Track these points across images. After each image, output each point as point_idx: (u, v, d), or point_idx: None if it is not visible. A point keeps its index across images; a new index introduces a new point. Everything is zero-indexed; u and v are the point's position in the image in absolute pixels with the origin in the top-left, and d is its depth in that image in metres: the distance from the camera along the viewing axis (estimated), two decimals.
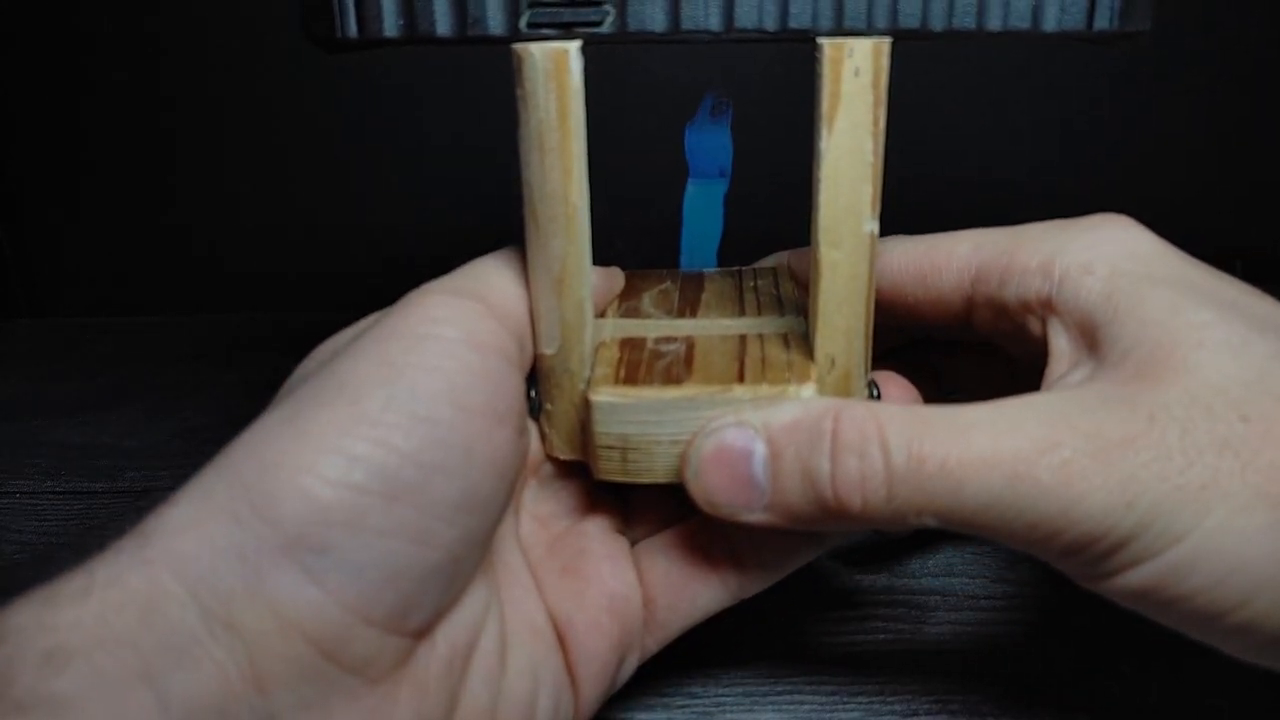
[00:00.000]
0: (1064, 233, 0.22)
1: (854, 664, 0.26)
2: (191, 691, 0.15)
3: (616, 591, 0.22)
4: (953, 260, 0.23)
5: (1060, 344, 0.21)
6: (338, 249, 0.55)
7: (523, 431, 0.21)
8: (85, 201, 0.56)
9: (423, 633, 0.18)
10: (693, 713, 0.24)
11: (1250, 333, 0.19)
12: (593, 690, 0.22)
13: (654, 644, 0.23)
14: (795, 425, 0.20)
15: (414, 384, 0.18)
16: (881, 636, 0.27)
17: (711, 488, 0.20)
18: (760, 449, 0.20)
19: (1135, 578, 0.18)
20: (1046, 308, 0.22)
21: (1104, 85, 0.51)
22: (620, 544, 0.24)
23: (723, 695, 0.25)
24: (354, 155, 0.54)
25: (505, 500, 0.20)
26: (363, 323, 0.21)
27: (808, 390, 0.21)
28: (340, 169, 0.54)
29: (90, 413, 0.42)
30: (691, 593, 0.23)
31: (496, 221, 0.48)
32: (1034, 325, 0.22)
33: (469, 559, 0.19)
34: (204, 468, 0.18)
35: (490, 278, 0.21)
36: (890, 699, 0.24)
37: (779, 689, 0.25)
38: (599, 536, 0.23)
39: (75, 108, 0.54)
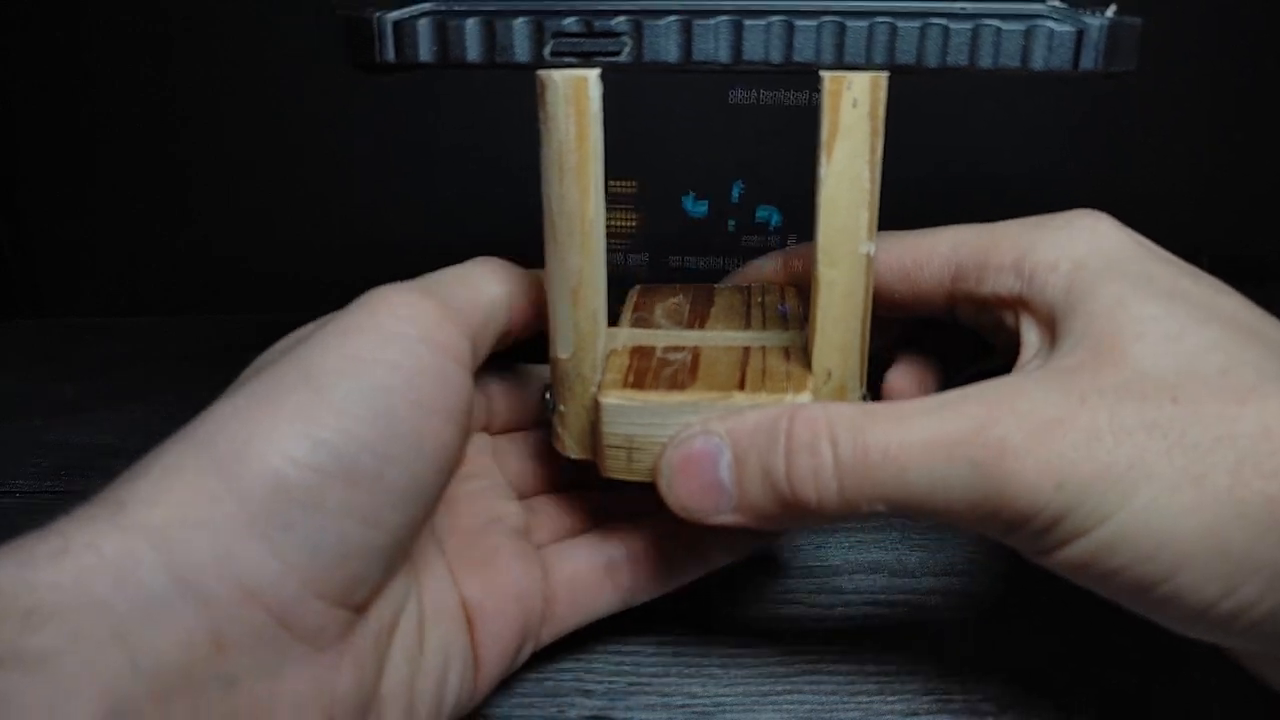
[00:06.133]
0: (1036, 230, 0.23)
1: (854, 664, 0.26)
2: (160, 651, 0.16)
3: (524, 588, 0.24)
4: (934, 258, 0.25)
5: (1030, 337, 0.23)
6: (338, 250, 0.55)
7: (466, 431, 0.22)
8: (86, 201, 0.56)
9: (363, 607, 0.20)
10: (693, 713, 0.25)
11: (1191, 323, 0.20)
12: (493, 670, 0.23)
13: (548, 636, 0.25)
14: (755, 429, 0.21)
15: (375, 378, 0.19)
16: (881, 636, 0.27)
17: (683, 494, 0.22)
18: (726, 454, 0.21)
19: (1071, 553, 0.19)
20: (1019, 303, 0.23)
21: (1104, 84, 0.51)
22: (526, 546, 0.25)
23: (723, 695, 0.25)
24: (355, 156, 0.54)
25: (441, 491, 0.21)
26: (319, 322, 0.22)
27: (804, 399, 0.22)
28: (342, 170, 0.54)
29: (90, 413, 0.43)
30: (590, 598, 0.25)
31: (498, 229, 0.49)
32: (1009, 319, 0.23)
33: (407, 541, 0.21)
34: (170, 439, 0.19)
35: (451, 284, 0.23)
36: (890, 699, 0.25)
37: (779, 689, 0.25)
38: (509, 535, 0.25)
39: (77, 107, 0.54)
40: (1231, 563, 0.18)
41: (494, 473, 0.27)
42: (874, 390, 0.26)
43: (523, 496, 0.27)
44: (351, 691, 0.19)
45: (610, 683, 0.25)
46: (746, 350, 0.25)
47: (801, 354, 0.24)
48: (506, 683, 0.25)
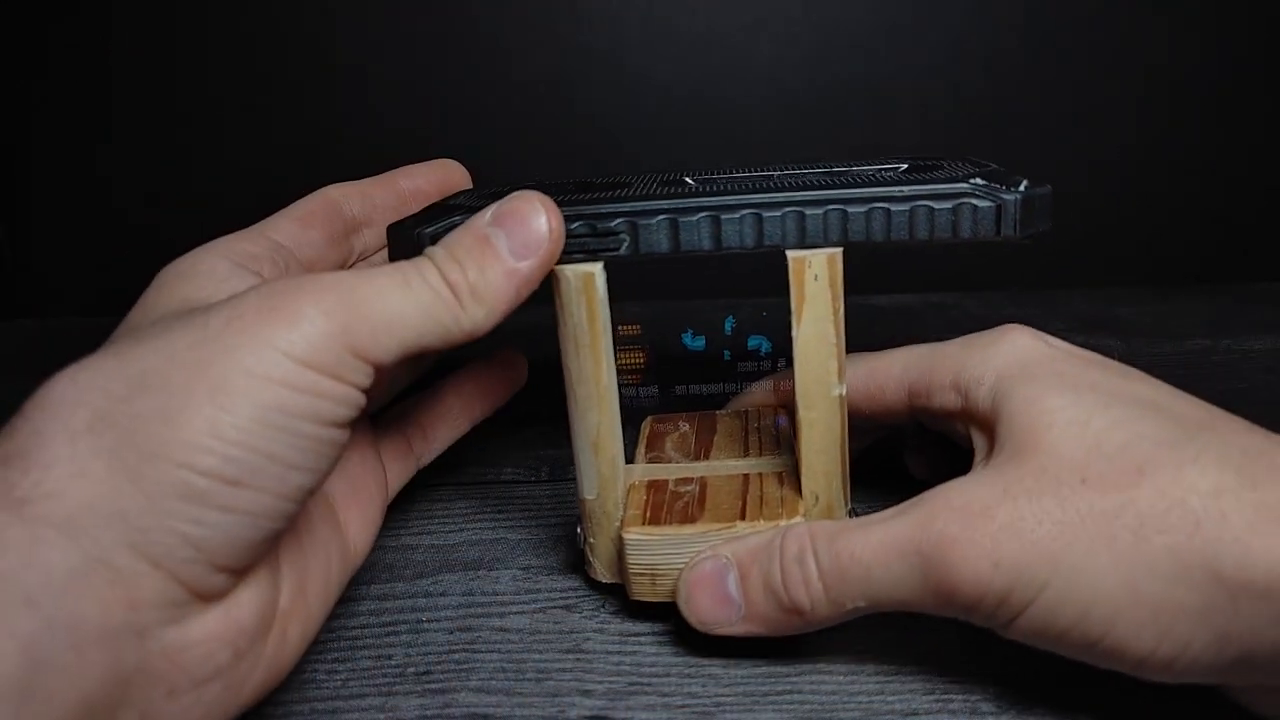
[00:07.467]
0: (966, 350, 0.27)
1: (854, 664, 0.26)
2: (76, 614, 0.18)
3: (373, 466, 0.28)
4: (889, 379, 0.29)
5: (978, 442, 0.26)
6: None
7: (351, 425, 0.22)
8: (85, 201, 0.57)
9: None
10: (693, 713, 0.25)
11: (1096, 408, 0.23)
12: (363, 538, 0.27)
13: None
14: (756, 548, 0.25)
15: (280, 400, 0.20)
16: (881, 636, 0.27)
17: (699, 608, 0.26)
18: (733, 572, 0.25)
19: (1024, 623, 0.22)
20: (963, 415, 0.27)
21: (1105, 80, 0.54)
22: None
23: (722, 695, 0.25)
24: (356, 158, 0.55)
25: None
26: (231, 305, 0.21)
27: (796, 522, 0.26)
28: (342, 173, 0.55)
29: None
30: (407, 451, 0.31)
31: None
32: (960, 428, 0.27)
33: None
34: (67, 430, 0.19)
35: (370, 296, 0.22)
36: (890, 698, 0.25)
37: (779, 689, 0.25)
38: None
39: (76, 108, 0.55)
40: (1154, 609, 0.21)
41: None
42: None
43: None
44: (253, 619, 0.21)
45: (610, 683, 0.26)
46: (746, 478, 0.29)
47: (794, 478, 0.28)
48: (506, 684, 0.26)
